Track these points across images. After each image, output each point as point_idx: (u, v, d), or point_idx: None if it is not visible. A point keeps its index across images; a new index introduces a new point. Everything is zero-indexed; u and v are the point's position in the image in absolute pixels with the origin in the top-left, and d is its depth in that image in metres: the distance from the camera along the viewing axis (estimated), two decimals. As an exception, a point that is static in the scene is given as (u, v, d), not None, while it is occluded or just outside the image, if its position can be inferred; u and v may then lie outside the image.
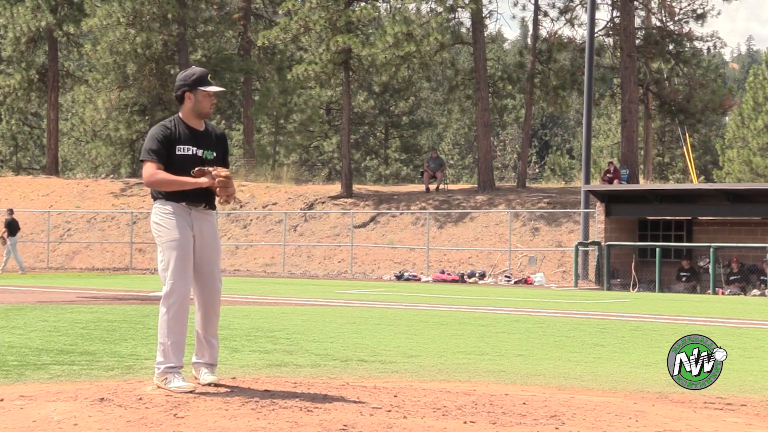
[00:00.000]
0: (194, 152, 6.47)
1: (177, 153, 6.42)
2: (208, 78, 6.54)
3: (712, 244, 27.05)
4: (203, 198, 6.52)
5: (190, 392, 6.31)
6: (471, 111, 40.24)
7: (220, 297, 6.66)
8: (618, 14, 36.50)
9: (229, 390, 6.58)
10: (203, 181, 6.38)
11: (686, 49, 38.40)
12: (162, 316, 6.44)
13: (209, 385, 6.54)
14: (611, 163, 35.06)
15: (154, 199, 6.54)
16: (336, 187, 39.46)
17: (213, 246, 6.59)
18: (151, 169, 6.38)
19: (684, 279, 28.30)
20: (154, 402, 5.99)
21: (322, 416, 5.73)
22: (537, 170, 64.23)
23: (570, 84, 37.69)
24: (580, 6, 37.95)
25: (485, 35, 39.34)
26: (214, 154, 6.56)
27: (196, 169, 6.42)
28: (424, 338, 11.83)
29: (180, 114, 6.63)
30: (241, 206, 35.65)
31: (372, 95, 58.02)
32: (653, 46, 37.47)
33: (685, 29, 38.12)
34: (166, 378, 6.42)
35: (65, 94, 51.57)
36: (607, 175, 33.33)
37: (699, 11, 37.70)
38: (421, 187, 38.54)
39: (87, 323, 13.14)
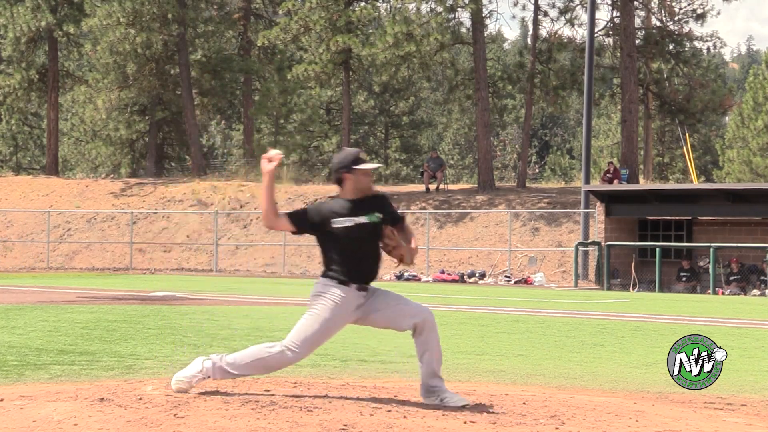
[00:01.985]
0: (355, 222, 6.44)
1: (333, 225, 6.43)
2: (361, 156, 6.63)
3: (712, 244, 27.05)
4: (369, 281, 6.52)
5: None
6: (471, 111, 40.27)
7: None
8: (618, 14, 36.51)
9: (229, 390, 6.58)
10: (264, 167, 6.37)
11: (686, 49, 38.40)
12: (264, 351, 6.42)
13: None
14: (611, 163, 35.06)
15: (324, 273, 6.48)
16: (336, 188, 39.44)
17: (388, 300, 6.70)
18: (282, 225, 6.52)
19: (684, 279, 28.30)
20: (154, 402, 5.99)
21: (322, 416, 5.73)
22: (537, 170, 64.21)
23: (570, 84, 37.68)
24: (580, 6, 37.95)
25: (485, 35, 39.34)
26: (380, 216, 6.54)
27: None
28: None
29: (339, 195, 6.68)
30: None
31: (372, 95, 58.02)
32: (653, 46, 37.48)
33: (685, 29, 38.13)
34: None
35: (65, 94, 51.55)
36: (607, 175, 33.33)
37: (699, 11, 37.72)
38: (421, 187, 38.54)
39: (87, 323, 13.14)
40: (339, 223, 6.40)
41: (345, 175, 6.53)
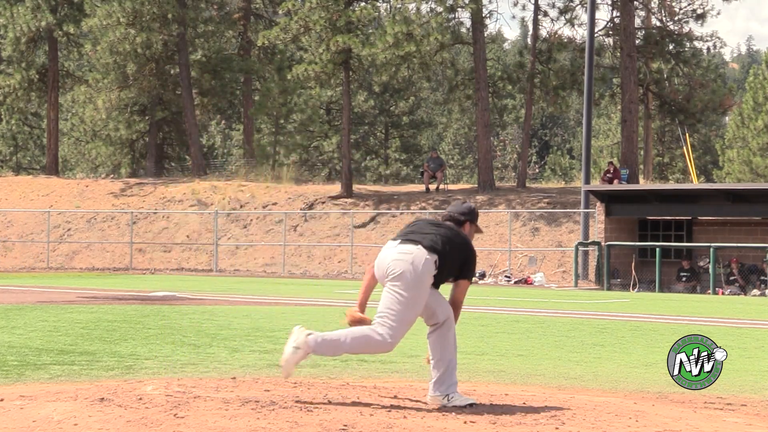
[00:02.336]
0: None
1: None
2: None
3: (712, 244, 27.05)
4: None
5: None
6: (471, 111, 40.26)
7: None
8: (618, 14, 36.50)
9: (229, 390, 6.58)
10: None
11: (686, 49, 38.39)
12: (363, 340, 6.44)
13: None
14: (611, 163, 35.05)
15: (427, 250, 6.50)
16: (336, 187, 39.46)
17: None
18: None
19: (684, 279, 28.31)
20: (154, 402, 5.99)
21: (322, 416, 5.73)
22: (537, 170, 64.21)
23: (570, 84, 37.67)
24: (580, 6, 37.94)
25: (485, 35, 39.33)
26: None
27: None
28: (423, 338, 11.79)
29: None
30: None
31: (372, 95, 58.00)
32: (653, 46, 37.48)
33: (685, 29, 38.12)
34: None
35: (65, 94, 51.54)
36: (607, 175, 33.32)
37: (699, 11, 37.71)
38: (421, 187, 38.53)
39: (87, 323, 13.14)
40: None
41: (467, 224, 6.99)
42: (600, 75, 37.54)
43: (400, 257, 6.42)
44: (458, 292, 6.63)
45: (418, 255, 6.42)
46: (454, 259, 6.52)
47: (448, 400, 6.35)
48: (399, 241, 6.55)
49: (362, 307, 6.57)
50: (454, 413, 6.07)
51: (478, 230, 7.02)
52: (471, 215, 6.99)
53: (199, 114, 46.96)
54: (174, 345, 10.63)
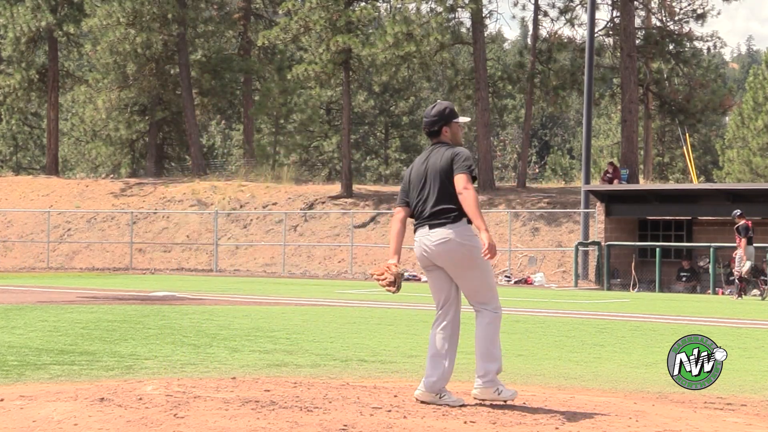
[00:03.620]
0: None
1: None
2: (455, 110, 6.81)
3: (712, 244, 27.05)
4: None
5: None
6: (471, 111, 40.22)
7: None
8: (618, 14, 36.50)
9: (229, 390, 6.58)
10: (489, 239, 6.28)
11: (686, 49, 38.39)
12: (487, 328, 6.43)
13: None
14: (611, 163, 35.03)
15: (457, 220, 6.46)
16: (336, 187, 39.46)
17: None
18: (472, 188, 6.46)
19: (684, 279, 28.30)
20: (154, 402, 5.99)
21: (322, 416, 5.73)
22: (537, 170, 64.21)
23: (570, 84, 37.67)
24: (580, 6, 37.95)
25: (485, 35, 39.33)
26: None
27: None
28: (424, 338, 11.79)
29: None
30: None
31: (372, 95, 58.01)
32: (653, 46, 37.47)
33: (685, 29, 38.12)
34: (499, 389, 6.42)
35: (65, 94, 51.55)
36: (607, 175, 33.30)
37: (699, 11, 37.71)
38: (421, 187, 38.46)
39: (87, 323, 13.14)
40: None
41: (444, 128, 6.65)
42: (600, 75, 37.54)
43: (444, 246, 6.45)
44: (455, 185, 6.44)
45: (453, 237, 6.42)
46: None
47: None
48: (427, 227, 6.51)
49: (397, 253, 6.67)
50: (454, 413, 6.07)
51: (459, 127, 6.69)
52: (443, 118, 6.65)
53: (199, 114, 46.96)
54: (174, 345, 10.63)
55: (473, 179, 6.45)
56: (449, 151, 6.52)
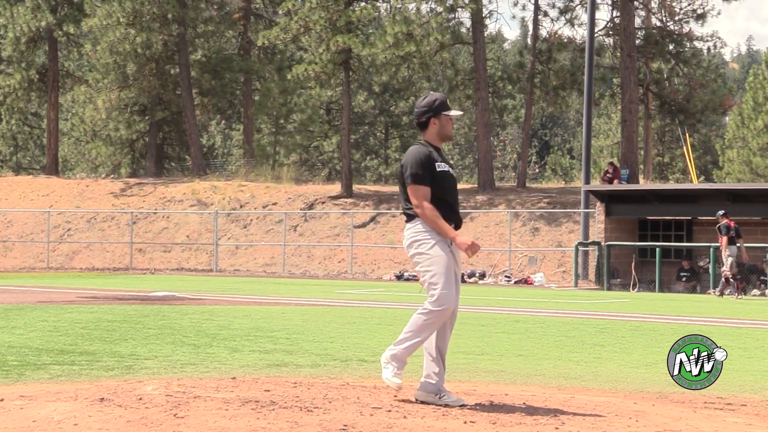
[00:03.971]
0: (448, 169, 6.58)
1: (438, 170, 6.49)
2: (448, 103, 6.67)
3: (712, 244, 27.04)
4: (458, 219, 6.60)
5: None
6: (471, 111, 40.26)
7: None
8: (618, 14, 36.50)
9: (229, 390, 6.58)
10: (462, 242, 6.34)
11: (686, 49, 38.39)
12: (417, 316, 6.38)
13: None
14: (611, 163, 35.03)
15: (413, 217, 6.49)
16: (336, 187, 39.46)
17: (459, 265, 6.65)
18: (425, 195, 6.40)
19: (684, 279, 28.30)
20: (154, 402, 5.99)
21: (322, 416, 5.73)
22: (537, 170, 64.21)
23: (570, 84, 37.68)
24: (580, 6, 37.95)
25: (485, 35, 39.33)
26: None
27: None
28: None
29: (424, 138, 6.67)
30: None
31: (372, 95, 58.01)
32: (653, 46, 37.47)
33: (685, 29, 38.12)
34: (393, 370, 6.44)
35: (65, 94, 51.57)
36: (607, 175, 33.30)
37: (699, 11, 37.71)
38: (421, 187, 38.45)
39: (87, 323, 13.14)
40: (440, 167, 6.51)
41: (432, 119, 6.58)
42: (600, 75, 37.55)
43: (404, 242, 6.65)
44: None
45: (407, 234, 6.56)
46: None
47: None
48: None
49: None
50: (454, 413, 6.07)
51: (449, 120, 6.58)
52: (431, 110, 6.58)
53: (199, 114, 46.97)
54: (174, 345, 10.63)
55: (420, 180, 6.39)
56: (404, 156, 6.56)
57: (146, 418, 5.54)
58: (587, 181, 31.65)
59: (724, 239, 24.03)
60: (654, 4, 38.69)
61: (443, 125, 6.59)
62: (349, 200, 37.30)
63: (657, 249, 27.70)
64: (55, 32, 44.46)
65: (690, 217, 29.20)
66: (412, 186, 6.42)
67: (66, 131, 57.51)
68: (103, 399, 6.07)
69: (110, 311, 15.61)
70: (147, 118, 47.33)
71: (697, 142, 56.22)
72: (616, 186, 31.45)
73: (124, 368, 8.58)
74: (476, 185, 38.35)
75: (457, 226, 6.52)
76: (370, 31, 38.27)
